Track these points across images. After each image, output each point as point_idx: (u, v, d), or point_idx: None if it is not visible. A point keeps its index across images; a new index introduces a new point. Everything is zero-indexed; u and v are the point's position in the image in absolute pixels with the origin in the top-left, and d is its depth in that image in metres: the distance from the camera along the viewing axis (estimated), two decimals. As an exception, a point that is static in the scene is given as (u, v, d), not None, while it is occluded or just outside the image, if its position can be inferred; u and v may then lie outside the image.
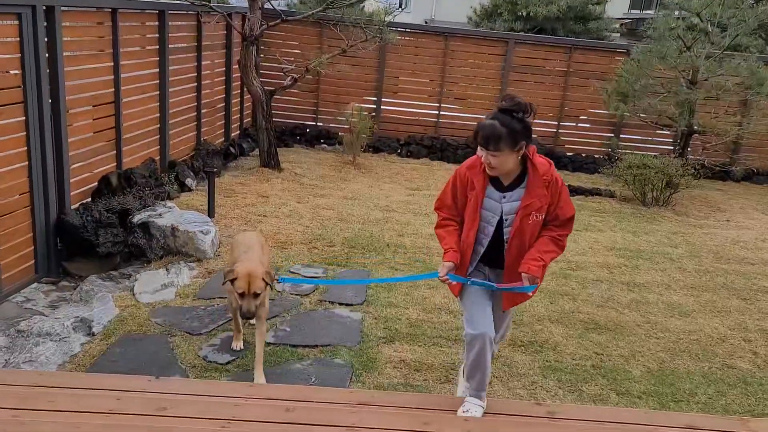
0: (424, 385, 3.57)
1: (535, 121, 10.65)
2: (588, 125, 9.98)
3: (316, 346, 3.84)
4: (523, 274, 2.81)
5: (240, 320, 3.57)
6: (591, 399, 3.60)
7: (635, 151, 8.73)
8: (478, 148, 2.76)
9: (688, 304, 5.07)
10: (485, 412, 2.83)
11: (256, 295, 3.10)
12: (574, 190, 8.18)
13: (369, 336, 4.04)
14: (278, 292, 4.46)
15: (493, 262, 2.94)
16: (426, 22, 21.93)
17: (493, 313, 2.92)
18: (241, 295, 3.09)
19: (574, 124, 9.93)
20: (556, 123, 9.77)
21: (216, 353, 3.65)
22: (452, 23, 17.91)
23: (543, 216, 2.82)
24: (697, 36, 8.10)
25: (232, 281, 3.13)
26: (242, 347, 3.60)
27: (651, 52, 8.14)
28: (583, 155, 9.82)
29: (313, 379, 3.46)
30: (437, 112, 9.92)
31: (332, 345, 3.87)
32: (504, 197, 2.84)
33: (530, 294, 2.95)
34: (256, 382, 3.27)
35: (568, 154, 9.77)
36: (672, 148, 9.17)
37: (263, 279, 3.12)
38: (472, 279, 2.89)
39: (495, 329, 2.91)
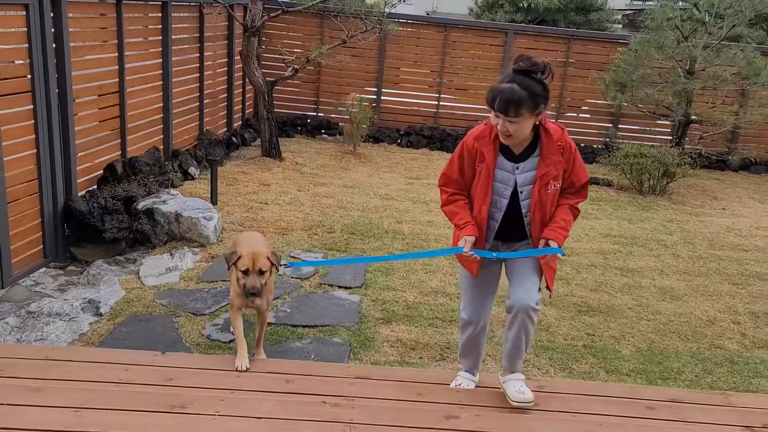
0: (419, 362, 3.70)
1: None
2: (587, 115, 10.08)
3: (316, 326, 3.97)
4: (550, 242, 2.67)
5: (242, 333, 3.11)
6: (581, 376, 3.73)
7: (633, 141, 8.83)
8: (492, 115, 2.57)
9: (680, 289, 5.19)
10: (476, 386, 2.96)
11: (261, 273, 3.00)
12: (572, 179, 8.28)
13: (367, 317, 4.17)
14: (280, 275, 4.58)
15: (508, 237, 2.78)
16: (428, 14, 21.98)
17: (522, 280, 2.71)
18: (245, 272, 2.99)
19: (575, 114, 10.03)
20: (555, 113, 9.87)
21: (219, 332, 3.79)
22: (454, 15, 17.96)
23: (560, 184, 2.70)
24: (694, 26, 8.17)
25: (236, 262, 3.02)
26: (247, 366, 2.92)
27: (649, 43, 8.22)
28: (582, 145, 9.91)
29: (312, 356, 3.60)
30: (437, 103, 10.02)
31: (331, 325, 4.00)
32: (517, 168, 2.67)
33: (559, 258, 2.70)
34: (255, 357, 3.21)
35: (567, 144, 9.87)
36: (670, 138, 9.26)
37: (268, 258, 3.05)
38: (497, 253, 2.73)
39: (525, 291, 2.68)
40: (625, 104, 8.86)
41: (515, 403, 2.74)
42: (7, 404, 2.35)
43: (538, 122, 2.60)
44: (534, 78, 2.52)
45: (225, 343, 3.69)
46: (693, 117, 8.50)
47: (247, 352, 3.01)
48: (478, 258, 2.67)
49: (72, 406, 2.35)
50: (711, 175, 9.50)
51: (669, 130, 9.62)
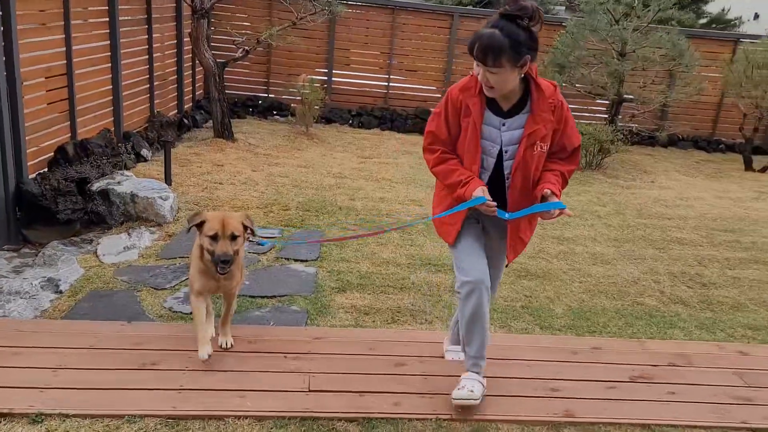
0: (372, 325, 3.98)
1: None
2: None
3: (274, 296, 4.20)
4: (547, 191, 2.46)
5: (203, 318, 2.78)
6: (518, 332, 4.10)
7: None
8: (474, 64, 2.37)
9: (610, 254, 5.66)
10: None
11: (233, 238, 2.63)
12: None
13: (323, 287, 4.43)
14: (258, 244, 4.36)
15: (495, 200, 2.53)
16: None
17: (493, 268, 2.64)
18: (214, 238, 2.59)
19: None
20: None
21: (180, 305, 3.97)
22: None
23: (548, 146, 2.48)
24: (625, 10, 8.67)
25: (199, 225, 2.62)
26: (210, 354, 2.73)
27: (584, 26, 8.67)
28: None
29: (271, 323, 3.83)
30: (387, 84, 10.27)
31: (289, 295, 4.24)
32: (504, 124, 2.46)
33: (556, 213, 2.47)
34: (220, 343, 2.94)
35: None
36: (606, 116, 9.82)
37: (242, 223, 2.67)
38: (509, 213, 2.53)
39: (492, 285, 2.63)
40: (564, 84, 9.33)
41: (455, 400, 2.61)
42: (-10, 366, 2.52)
43: (523, 75, 2.38)
44: (520, 24, 2.28)
45: (187, 314, 3.87)
46: (626, 96, 9.04)
47: (209, 337, 2.73)
48: (494, 208, 2.46)
49: (49, 366, 2.53)
50: (642, 150, 10.13)
51: (605, 108, 10.18)
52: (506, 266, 2.78)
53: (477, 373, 2.65)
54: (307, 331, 3.35)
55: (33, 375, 2.49)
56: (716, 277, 5.33)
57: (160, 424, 2.37)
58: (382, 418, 2.50)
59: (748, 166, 9.74)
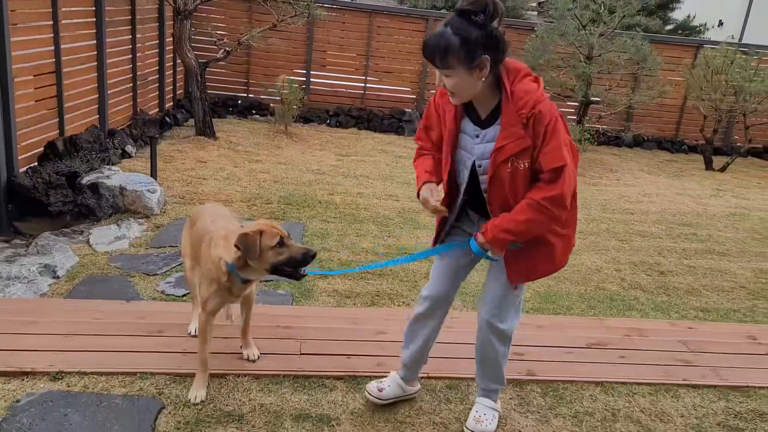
0: (353, 307, 4.28)
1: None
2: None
3: (260, 281, 4.46)
4: (476, 235, 2.28)
5: (208, 343, 2.62)
6: (488, 313, 4.43)
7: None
8: None
9: (575, 245, 6.03)
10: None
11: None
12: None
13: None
14: None
15: (480, 208, 2.38)
16: (352, 0, 22.36)
17: (491, 283, 2.43)
18: (281, 244, 2.40)
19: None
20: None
21: (172, 288, 4.21)
22: (378, 0, 18.46)
23: (529, 163, 2.15)
24: (592, 16, 9.12)
25: (260, 240, 2.38)
26: (203, 398, 2.61)
27: (553, 30, 9.09)
28: (497, 125, 10.79)
29: (259, 304, 4.09)
30: (364, 85, 10.57)
31: (274, 279, 4.50)
32: (478, 135, 2.23)
33: (498, 255, 2.32)
34: (246, 354, 2.89)
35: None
36: (575, 117, 10.26)
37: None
38: (444, 245, 2.45)
39: (487, 301, 2.44)
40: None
41: (467, 430, 2.56)
42: (8, 333, 2.74)
43: (486, 78, 2.10)
44: (474, 21, 2.03)
45: (179, 296, 4.11)
46: (593, 98, 9.49)
47: (206, 378, 2.61)
48: (444, 211, 2.31)
49: (62, 333, 2.77)
50: (609, 150, 10.60)
51: (574, 110, 10.63)
52: (515, 288, 2.44)
53: (404, 380, 2.68)
54: (294, 309, 3.63)
55: (49, 340, 2.73)
56: (673, 266, 5.73)
57: (169, 380, 2.64)
58: (366, 376, 2.80)
59: (709, 165, 10.26)
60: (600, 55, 9.06)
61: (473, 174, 2.26)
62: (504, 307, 2.43)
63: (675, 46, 11.15)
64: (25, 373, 2.57)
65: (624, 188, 8.41)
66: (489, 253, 2.35)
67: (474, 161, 2.23)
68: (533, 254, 2.31)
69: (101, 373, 2.59)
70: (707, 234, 6.78)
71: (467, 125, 2.24)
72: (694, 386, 3.08)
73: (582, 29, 8.93)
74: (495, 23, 2.06)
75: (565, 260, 2.46)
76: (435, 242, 2.54)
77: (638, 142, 11.10)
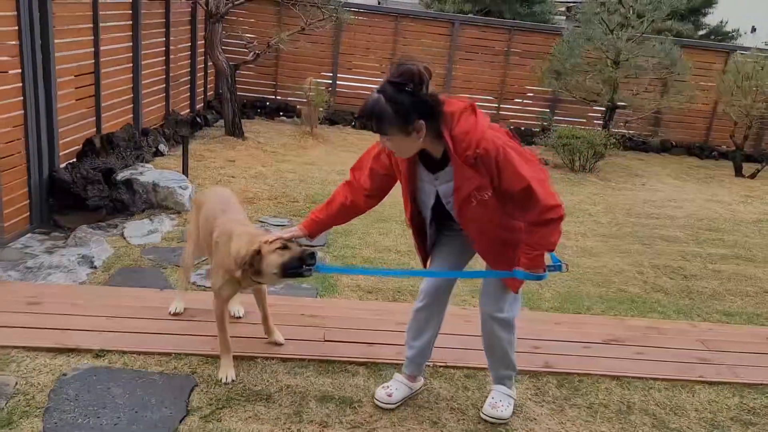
0: (376, 302, 4.40)
1: (479, 96, 11.44)
2: (529, 101, 10.98)
3: (286, 275, 4.61)
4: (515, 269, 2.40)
5: (228, 324, 2.76)
6: (508, 310, 4.50)
7: (570, 125, 9.76)
8: None
9: (598, 248, 6.06)
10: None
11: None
12: (512, 159, 9.17)
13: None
14: None
15: (450, 220, 2.51)
16: (379, 3, 22.56)
17: (488, 282, 2.56)
18: (284, 248, 2.51)
19: (521, 100, 10.92)
20: (498, 99, 10.73)
21: (203, 280, 4.37)
22: (404, 4, 18.62)
23: (490, 193, 2.28)
24: (619, 20, 9.12)
25: (257, 253, 2.51)
26: (234, 378, 2.76)
27: (580, 35, 9.11)
28: (522, 128, 10.82)
29: (284, 296, 4.23)
30: (390, 88, 10.70)
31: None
32: (437, 178, 2.35)
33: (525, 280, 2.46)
34: (276, 340, 3.01)
35: (510, 127, 10.74)
36: (601, 121, 10.25)
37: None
38: (486, 272, 2.52)
39: (485, 294, 2.56)
40: (561, 91, 9.77)
41: (483, 416, 2.66)
42: (56, 314, 2.93)
43: (421, 137, 2.22)
44: (405, 90, 2.17)
45: (208, 287, 4.28)
46: (619, 103, 9.47)
47: (231, 359, 2.73)
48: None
49: (104, 315, 2.95)
50: (635, 155, 10.55)
51: (600, 114, 10.61)
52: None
53: (408, 378, 2.75)
54: (318, 300, 3.76)
55: (91, 321, 2.92)
56: (697, 270, 5.71)
57: (201, 361, 2.80)
58: (387, 363, 2.92)
59: (739, 172, 10.14)
60: (627, 60, 9.05)
61: (438, 205, 2.41)
62: (502, 298, 2.54)
63: (706, 51, 11.05)
64: (71, 350, 2.76)
65: (649, 193, 8.38)
66: (535, 273, 2.47)
67: (438, 201, 2.39)
68: (507, 252, 2.45)
69: (139, 353, 2.77)
70: (734, 240, 6.73)
71: (422, 172, 2.38)
72: (710, 383, 3.12)
73: (609, 33, 8.93)
74: (425, 89, 2.19)
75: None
76: (424, 263, 2.68)
77: (666, 148, 11.01)
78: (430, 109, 2.21)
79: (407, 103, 2.17)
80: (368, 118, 2.23)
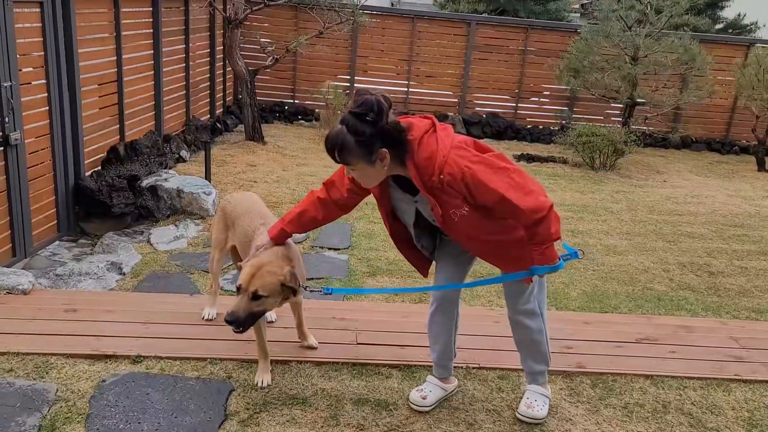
0: (402, 304, 4.40)
1: (496, 96, 11.42)
2: (546, 100, 10.93)
3: (312, 278, 4.62)
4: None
5: (265, 335, 2.76)
6: (535, 311, 4.49)
7: (588, 123, 9.69)
8: None
9: (622, 246, 6.02)
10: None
11: (256, 297, 2.47)
12: (532, 158, 9.13)
13: (355, 271, 4.85)
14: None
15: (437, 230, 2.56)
16: (393, 5, 22.59)
17: (507, 285, 2.57)
18: (237, 289, 2.49)
19: (537, 98, 10.87)
20: (515, 98, 10.69)
21: (230, 285, 4.42)
22: (419, 5, 18.62)
23: (468, 206, 2.30)
24: (637, 17, 9.04)
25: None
26: (269, 383, 2.76)
27: (597, 32, 9.05)
28: (540, 127, 10.77)
29: (312, 299, 4.25)
30: (406, 90, 10.72)
31: (325, 277, 4.67)
32: (416, 200, 2.40)
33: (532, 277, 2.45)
34: (311, 344, 3.02)
35: (528, 126, 10.73)
36: (620, 118, 10.17)
37: (281, 283, 2.49)
38: (505, 276, 2.52)
39: (506, 296, 2.60)
40: (579, 88, 9.71)
41: (519, 416, 2.67)
42: (91, 320, 2.98)
43: (385, 167, 2.25)
44: (367, 120, 2.17)
45: (235, 293, 4.32)
46: (638, 99, 9.39)
47: (269, 365, 2.71)
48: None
49: (139, 321, 2.99)
50: (655, 152, 10.45)
51: (619, 111, 10.53)
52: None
53: (439, 379, 2.76)
54: (346, 303, 3.77)
55: (127, 327, 2.96)
56: (724, 266, 5.65)
57: (236, 365, 2.83)
58: (420, 366, 2.92)
59: (761, 167, 10.00)
60: (646, 56, 8.97)
61: (421, 219, 2.44)
62: (521, 292, 2.56)
63: (725, 45, 10.92)
64: (108, 357, 2.80)
65: (671, 189, 8.30)
66: (552, 264, 2.47)
67: (418, 220, 2.43)
68: (507, 250, 2.45)
69: (175, 358, 2.80)
70: (760, 235, 6.64)
71: (398, 194, 2.41)
72: (746, 381, 3.09)
73: (627, 30, 8.86)
74: (385, 118, 2.20)
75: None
76: (423, 272, 2.74)
77: (686, 144, 10.90)
78: (392, 137, 2.23)
79: (368, 132, 2.19)
80: (332, 149, 2.25)
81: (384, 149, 2.21)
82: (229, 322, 2.39)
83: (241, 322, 2.38)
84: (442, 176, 2.20)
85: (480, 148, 2.36)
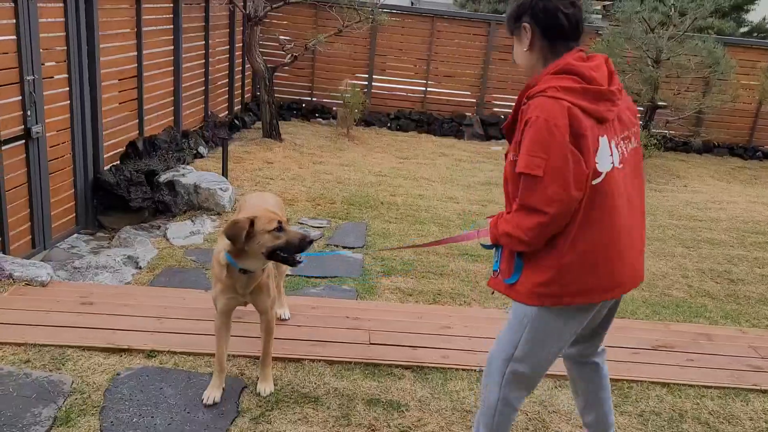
0: (416, 304, 4.39)
1: (514, 97, 11.41)
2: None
3: (326, 277, 4.63)
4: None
5: (225, 353, 2.63)
6: (550, 314, 4.44)
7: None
8: None
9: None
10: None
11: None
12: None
13: (369, 271, 4.84)
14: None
15: None
16: (412, 4, 22.53)
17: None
18: (279, 229, 2.37)
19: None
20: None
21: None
22: (439, 4, 18.56)
23: (511, 156, 1.97)
24: (660, 19, 8.91)
25: (252, 227, 2.32)
26: (216, 400, 2.59)
27: (619, 34, 8.94)
28: (559, 129, 10.67)
29: (325, 298, 4.25)
30: (424, 89, 10.68)
31: (339, 276, 4.66)
32: None
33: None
34: (259, 390, 2.68)
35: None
36: (640, 122, 10.04)
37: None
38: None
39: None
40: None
41: None
42: (106, 314, 3.00)
43: (526, 49, 1.96)
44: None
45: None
46: (660, 103, 9.26)
47: (222, 381, 2.58)
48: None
49: (153, 316, 3.01)
50: (676, 156, 10.30)
51: (640, 115, 10.39)
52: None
53: None
54: (360, 303, 3.76)
55: (142, 322, 2.98)
56: (744, 274, 5.55)
57: (249, 362, 2.83)
58: (432, 367, 2.90)
59: (785, 173, 9.83)
60: (669, 59, 8.84)
61: None
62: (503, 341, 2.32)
63: (750, 48, 10.72)
64: (123, 350, 2.82)
65: (691, 195, 8.17)
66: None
67: None
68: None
69: (189, 353, 2.82)
70: (782, 243, 6.52)
71: None
72: (764, 391, 3.03)
73: (650, 32, 8.74)
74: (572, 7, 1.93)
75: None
76: None
77: (708, 148, 10.72)
78: (538, 13, 1.90)
79: (528, 3, 1.91)
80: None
81: (526, 23, 1.93)
82: (310, 242, 2.38)
83: (312, 238, 2.42)
84: (529, 100, 1.88)
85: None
